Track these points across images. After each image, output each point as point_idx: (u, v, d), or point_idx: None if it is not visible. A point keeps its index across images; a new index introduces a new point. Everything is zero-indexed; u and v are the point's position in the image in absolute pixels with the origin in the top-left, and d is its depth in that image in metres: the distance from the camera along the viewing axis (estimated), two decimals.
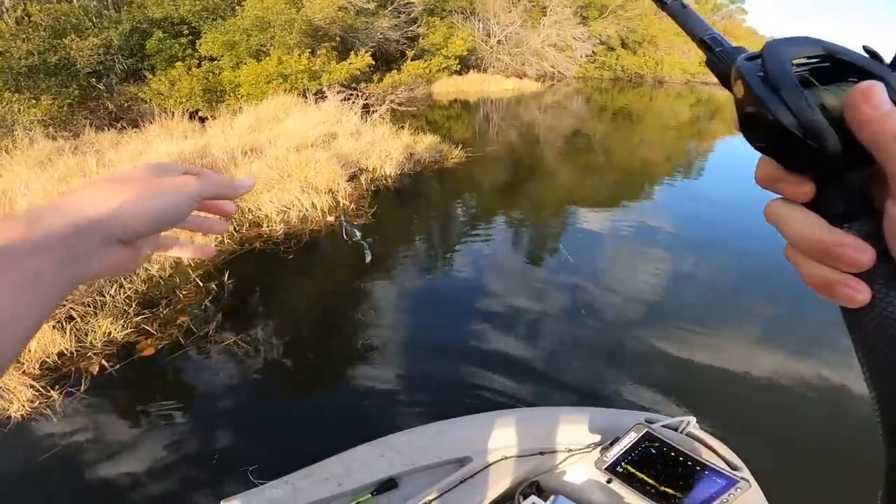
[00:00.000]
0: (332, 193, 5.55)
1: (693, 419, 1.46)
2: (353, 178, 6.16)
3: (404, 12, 14.82)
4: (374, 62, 12.38)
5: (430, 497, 1.40)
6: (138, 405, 2.98)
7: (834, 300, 0.24)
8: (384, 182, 6.27)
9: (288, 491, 1.38)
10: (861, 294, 0.23)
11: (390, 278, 4.32)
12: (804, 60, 0.24)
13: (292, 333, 3.64)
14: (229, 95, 11.25)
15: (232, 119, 9.17)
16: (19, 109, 9.57)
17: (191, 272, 4.19)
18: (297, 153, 6.07)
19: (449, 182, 6.80)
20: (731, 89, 0.26)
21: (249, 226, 5.03)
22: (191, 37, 12.45)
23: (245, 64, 11.31)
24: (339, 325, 3.78)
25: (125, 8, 12.49)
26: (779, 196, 0.25)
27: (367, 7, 12.92)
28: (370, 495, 1.41)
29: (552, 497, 1.50)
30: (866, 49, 0.25)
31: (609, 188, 7.58)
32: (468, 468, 1.48)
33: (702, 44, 0.31)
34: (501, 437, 1.57)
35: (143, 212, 0.33)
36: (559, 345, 3.47)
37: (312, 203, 5.23)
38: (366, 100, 8.93)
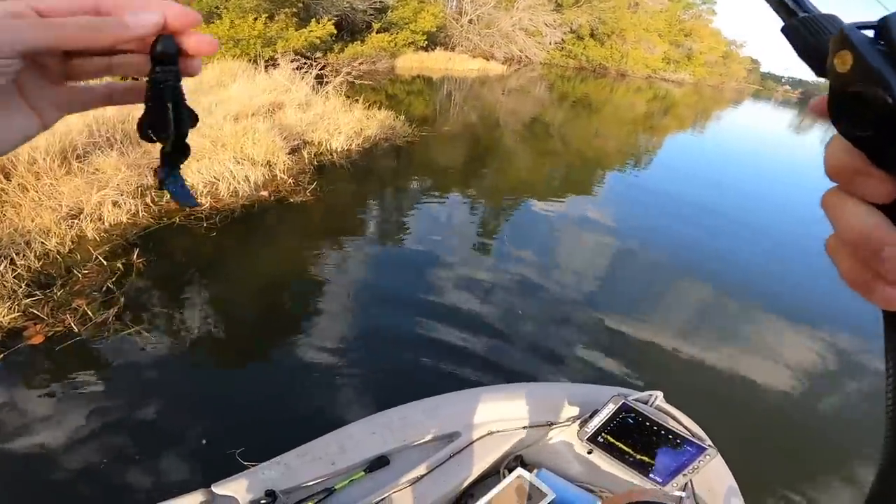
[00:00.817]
0: (270, 166, 5.03)
1: (660, 393, 1.48)
2: (295, 151, 5.63)
3: None
4: (335, 31, 11.56)
5: (421, 472, 1.41)
6: (21, 398, 2.52)
7: (870, 300, 0.22)
8: (329, 157, 5.77)
9: (281, 471, 1.35)
10: None
11: (326, 261, 3.92)
12: None
13: (209, 322, 3.20)
14: None
15: None
16: None
17: (92, 250, 3.64)
18: (236, 122, 5.47)
19: (401, 160, 6.38)
20: (817, 65, 0.22)
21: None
22: None
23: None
24: (266, 312, 3.37)
25: None
26: (836, 186, 0.22)
27: None
28: (363, 473, 1.41)
29: (536, 470, 1.52)
30: None
31: (562, 175, 7.56)
32: (456, 444, 1.50)
33: (780, 6, 0.26)
34: (488, 413, 1.60)
35: None
36: (503, 327, 3.30)
37: (246, 176, 4.70)
38: (321, 70, 8.22)
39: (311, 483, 1.37)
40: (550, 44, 25.38)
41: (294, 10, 10.98)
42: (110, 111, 5.66)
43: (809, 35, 0.23)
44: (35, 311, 3.04)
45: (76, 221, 3.96)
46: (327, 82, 7.63)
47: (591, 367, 2.95)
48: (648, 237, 5.15)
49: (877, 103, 0.18)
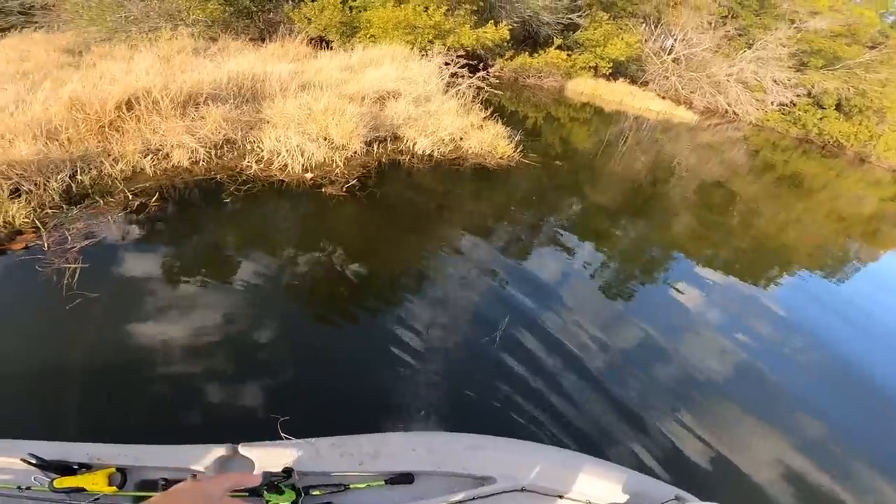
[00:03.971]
0: (340, 151, 4.75)
1: None
2: (375, 142, 5.27)
3: None
4: (508, 37, 11.11)
5: (439, 503, 1.38)
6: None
7: None
8: (405, 158, 5.24)
9: (310, 453, 1.37)
10: None
11: (355, 279, 3.37)
12: None
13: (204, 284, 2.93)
14: (363, 32, 10.99)
15: (338, 55, 8.84)
16: (188, 7, 10.28)
17: (140, 182, 3.76)
18: (337, 99, 5.34)
19: (491, 182, 5.52)
20: None
21: (235, 156, 4.48)
22: None
23: (385, 7, 10.91)
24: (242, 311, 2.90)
25: None
26: None
27: None
28: (383, 483, 1.40)
29: None
30: None
31: (728, 255, 6.04)
32: (485, 489, 1.46)
33: None
34: (528, 469, 1.54)
35: None
36: (589, 390, 2.91)
37: (312, 153, 4.50)
38: (460, 67, 7.79)
39: (331, 473, 1.37)
40: (772, 104, 21.11)
41: (473, 7, 10.83)
42: (252, 71, 6.07)
43: None
44: (39, 223, 3.16)
45: (151, 155, 4.18)
46: (461, 82, 7.16)
47: (654, 459, 2.60)
48: (801, 359, 3.98)
49: None
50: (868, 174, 19.57)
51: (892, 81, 21.84)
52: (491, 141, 5.81)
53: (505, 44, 11.84)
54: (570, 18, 13.33)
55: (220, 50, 8.56)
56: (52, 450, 1.22)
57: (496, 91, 7.66)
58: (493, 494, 1.45)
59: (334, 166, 4.53)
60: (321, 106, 5.03)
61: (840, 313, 5.04)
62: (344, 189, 4.16)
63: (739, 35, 19.76)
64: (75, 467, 1.19)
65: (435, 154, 5.42)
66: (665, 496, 1.37)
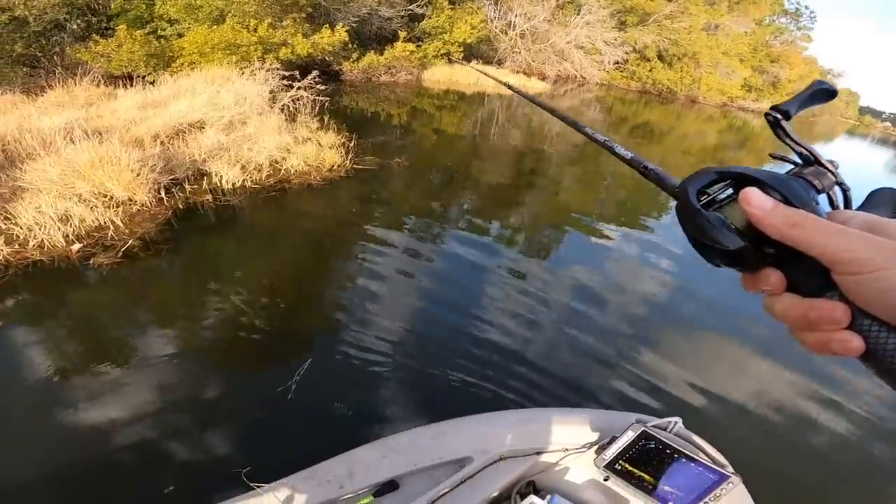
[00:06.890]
0: (118, 207, 3.89)
1: (679, 420, 1.46)
2: (175, 185, 4.45)
3: None
4: (347, 39, 10.47)
5: (431, 498, 1.37)
6: None
7: (834, 355, 0.24)
8: (209, 199, 4.41)
9: (288, 493, 1.32)
10: (853, 342, 0.24)
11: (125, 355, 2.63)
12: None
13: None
14: (180, 61, 9.63)
15: (144, 90, 7.57)
16: None
17: None
18: (119, 145, 4.40)
19: (330, 201, 4.95)
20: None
21: None
22: None
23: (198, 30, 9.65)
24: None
25: None
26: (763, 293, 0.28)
27: None
28: (372, 497, 1.37)
29: (549, 496, 1.50)
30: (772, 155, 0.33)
31: (611, 204, 6.74)
32: (468, 469, 1.47)
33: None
34: (500, 438, 1.57)
35: None
36: (520, 352, 3.05)
37: (81, 219, 3.60)
38: (282, 79, 6.99)
39: None
40: (609, 63, 22.90)
41: (303, 14, 10.02)
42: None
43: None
44: None
45: None
46: (282, 95, 6.42)
47: (611, 393, 2.78)
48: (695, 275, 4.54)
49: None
50: (701, 113, 22.12)
51: (695, 28, 24.85)
52: (317, 155, 5.22)
53: (350, 45, 11.20)
54: (410, 10, 12.97)
55: None
56: None
57: (322, 98, 6.90)
58: (476, 472, 1.47)
59: (111, 228, 3.67)
60: (84, 158, 4.07)
61: None
62: (120, 254, 3.35)
63: (569, 2, 20.97)
64: None
65: (248, 184, 4.70)
66: (627, 422, 1.45)
